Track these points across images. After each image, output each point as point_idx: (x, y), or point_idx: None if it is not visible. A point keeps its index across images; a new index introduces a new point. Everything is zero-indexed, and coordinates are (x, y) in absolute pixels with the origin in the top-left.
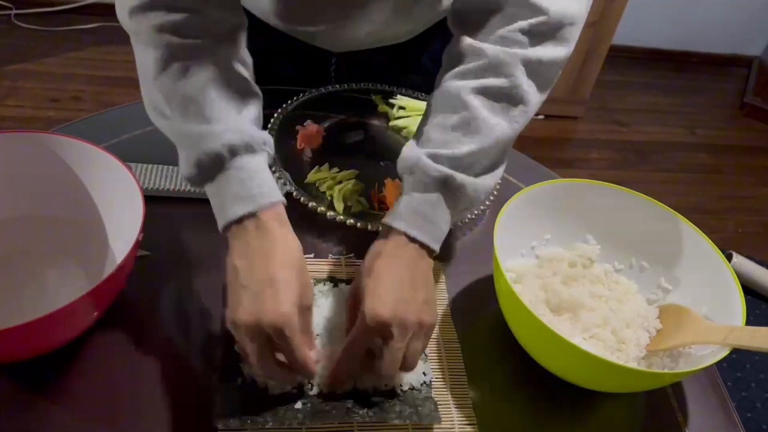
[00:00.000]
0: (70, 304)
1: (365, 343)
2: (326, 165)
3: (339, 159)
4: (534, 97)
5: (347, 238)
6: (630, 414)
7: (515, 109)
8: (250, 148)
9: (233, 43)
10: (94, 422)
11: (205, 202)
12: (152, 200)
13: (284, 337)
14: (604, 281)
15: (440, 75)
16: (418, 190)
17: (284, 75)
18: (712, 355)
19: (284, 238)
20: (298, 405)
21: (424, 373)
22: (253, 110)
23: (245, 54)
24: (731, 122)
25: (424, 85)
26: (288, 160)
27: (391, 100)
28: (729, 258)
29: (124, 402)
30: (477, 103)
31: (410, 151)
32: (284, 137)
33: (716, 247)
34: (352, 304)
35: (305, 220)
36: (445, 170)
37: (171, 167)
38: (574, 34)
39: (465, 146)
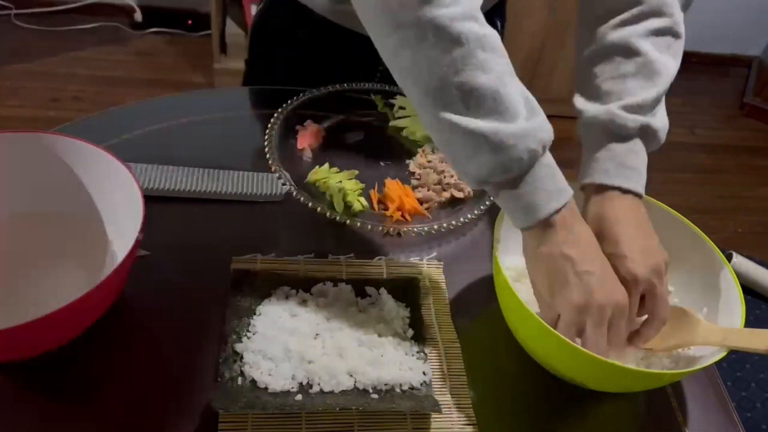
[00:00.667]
0: (70, 304)
1: (635, 305)
2: (326, 165)
3: (339, 159)
4: (683, 32)
5: (347, 238)
6: (630, 414)
7: (677, 44)
8: (547, 144)
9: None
10: (94, 422)
11: (206, 202)
12: (152, 200)
13: (623, 315)
14: None
15: (589, 34)
16: (617, 142)
17: (332, 69)
18: (711, 355)
19: (587, 227)
20: (298, 397)
21: (423, 373)
22: (532, 101)
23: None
24: (731, 122)
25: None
26: (288, 160)
27: (391, 100)
28: (729, 258)
29: (124, 402)
30: (649, 47)
31: (595, 109)
32: (284, 137)
33: (717, 248)
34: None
35: (305, 220)
36: (641, 118)
37: (171, 167)
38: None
39: (650, 91)
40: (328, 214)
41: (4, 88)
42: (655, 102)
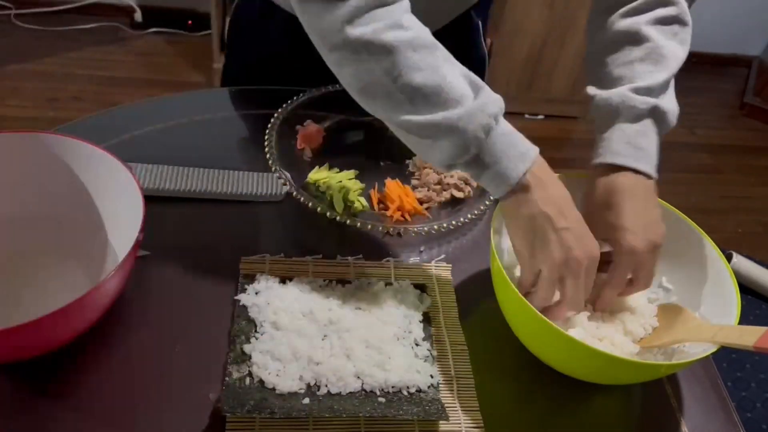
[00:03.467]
0: (70, 304)
1: (626, 273)
2: (326, 165)
3: (339, 159)
4: (690, 20)
5: (347, 238)
6: (630, 414)
7: (684, 32)
8: (496, 115)
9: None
10: (94, 422)
11: (206, 202)
12: (152, 200)
13: (594, 269)
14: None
15: (598, 26)
16: (629, 122)
17: (304, 64)
18: (703, 352)
19: (560, 184)
20: (306, 401)
21: (431, 376)
22: (475, 78)
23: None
24: (731, 122)
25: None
26: (288, 160)
27: None
28: (729, 258)
29: (124, 402)
30: (656, 34)
31: (606, 93)
32: (284, 137)
33: (717, 248)
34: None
35: (305, 220)
36: (651, 100)
37: (171, 167)
38: None
39: (658, 75)
40: (328, 214)
41: (4, 88)
42: (664, 85)
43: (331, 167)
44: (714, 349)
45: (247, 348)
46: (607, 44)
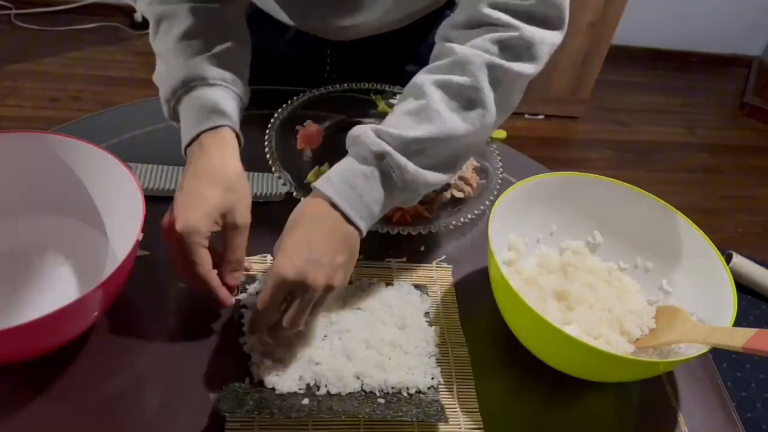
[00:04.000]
0: (70, 304)
1: (277, 297)
2: (326, 165)
3: (339, 159)
4: (492, 104)
5: None
6: (631, 414)
7: (473, 112)
8: (203, 81)
9: (217, 5)
10: (93, 422)
11: None
12: (152, 200)
13: (187, 248)
14: (603, 276)
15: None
16: (355, 160)
17: (281, 72)
18: (696, 352)
19: (219, 158)
20: (305, 401)
21: (431, 377)
22: (227, 55)
23: (233, 15)
24: (731, 122)
25: None
26: (288, 160)
27: (391, 100)
28: (729, 258)
29: (124, 402)
30: (436, 96)
31: (360, 127)
32: (284, 137)
33: (716, 249)
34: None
35: None
36: (386, 146)
37: (171, 167)
38: (544, 51)
39: (413, 131)
40: None
41: (4, 88)
42: (416, 144)
43: (331, 167)
44: (705, 350)
45: (246, 348)
46: (404, 92)
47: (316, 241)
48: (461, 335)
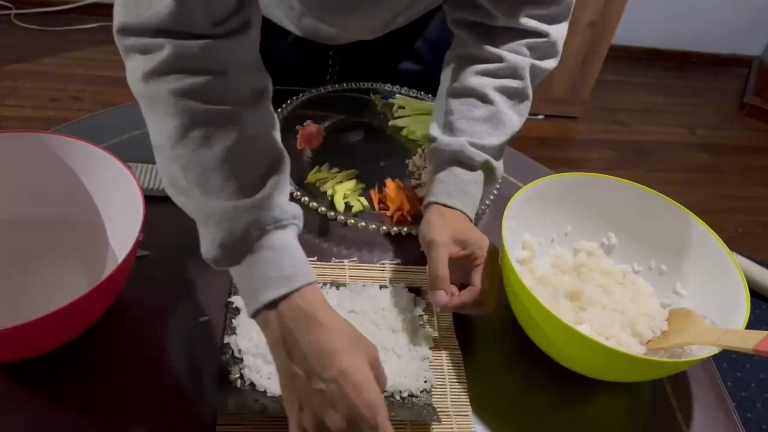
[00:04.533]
0: (70, 304)
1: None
2: (326, 165)
3: (339, 159)
4: (531, 95)
5: (347, 238)
6: (630, 414)
7: (523, 105)
8: (279, 224)
9: (259, 107)
10: (92, 422)
11: None
12: (152, 200)
13: (377, 427)
14: (617, 278)
15: (454, 71)
16: (463, 168)
17: (283, 74)
18: (707, 354)
19: (329, 318)
20: None
21: (425, 380)
22: (281, 180)
23: (272, 117)
24: (731, 122)
25: (418, 72)
26: None
27: (391, 100)
28: None
29: (124, 402)
30: (499, 100)
31: (448, 139)
32: (284, 137)
33: (732, 255)
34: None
35: (305, 220)
36: (486, 156)
37: None
38: (562, 45)
39: (495, 138)
40: (328, 214)
41: (4, 88)
42: (498, 149)
43: (331, 167)
44: (716, 351)
45: (239, 351)
46: (456, 92)
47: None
48: (454, 338)
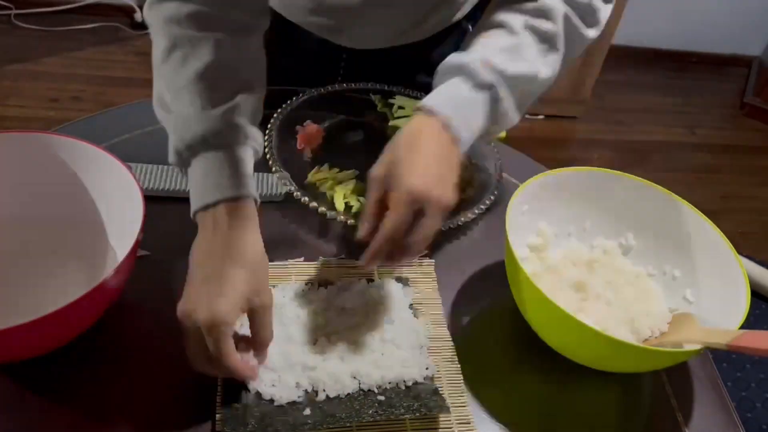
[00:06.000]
0: (70, 304)
1: (409, 216)
2: (326, 165)
3: (339, 159)
4: (563, 49)
5: (347, 238)
6: (630, 414)
7: (552, 55)
8: (225, 139)
9: (242, 39)
10: (93, 422)
11: None
12: (152, 200)
13: (214, 339)
14: (629, 279)
15: (488, 11)
16: (465, 86)
17: (293, 72)
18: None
19: (241, 235)
20: (307, 411)
21: (426, 368)
22: (247, 104)
23: (256, 51)
24: (731, 122)
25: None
26: (288, 160)
27: (391, 100)
28: None
29: (123, 402)
30: (527, 37)
31: (459, 55)
32: (284, 137)
33: (743, 267)
34: (382, 177)
35: (305, 220)
36: (494, 78)
37: (171, 167)
38: (604, 19)
39: (512, 67)
40: (328, 214)
41: (4, 88)
42: (511, 78)
43: (331, 167)
44: (698, 348)
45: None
46: (485, 26)
47: (440, 158)
48: (444, 327)
